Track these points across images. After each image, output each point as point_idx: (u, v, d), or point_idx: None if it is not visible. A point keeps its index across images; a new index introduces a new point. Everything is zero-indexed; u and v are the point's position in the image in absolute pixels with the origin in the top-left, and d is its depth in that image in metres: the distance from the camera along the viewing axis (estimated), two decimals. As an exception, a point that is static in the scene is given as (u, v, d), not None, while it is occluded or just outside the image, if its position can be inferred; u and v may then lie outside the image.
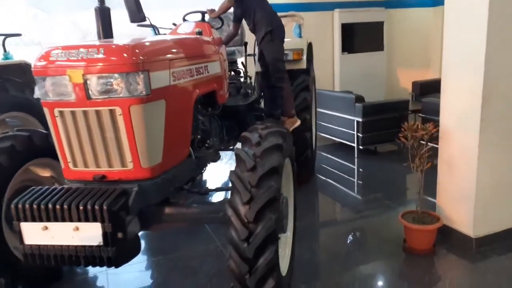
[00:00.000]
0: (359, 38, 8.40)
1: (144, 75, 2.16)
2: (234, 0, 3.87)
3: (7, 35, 4.25)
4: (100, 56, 2.09)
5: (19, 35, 4.40)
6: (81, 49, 2.11)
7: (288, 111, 4.08)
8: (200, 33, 3.37)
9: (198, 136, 3.09)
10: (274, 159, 2.21)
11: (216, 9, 3.98)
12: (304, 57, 4.44)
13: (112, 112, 2.17)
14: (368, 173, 5.57)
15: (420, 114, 5.88)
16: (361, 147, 5.85)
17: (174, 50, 2.55)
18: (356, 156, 5.94)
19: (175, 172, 2.52)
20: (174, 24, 4.03)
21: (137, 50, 2.17)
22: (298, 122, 4.15)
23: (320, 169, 5.61)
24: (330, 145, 6.64)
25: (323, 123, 6.57)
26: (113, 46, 2.15)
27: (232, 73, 4.81)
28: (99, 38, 3.10)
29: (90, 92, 2.14)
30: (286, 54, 4.37)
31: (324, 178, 5.36)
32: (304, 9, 7.86)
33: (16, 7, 6.60)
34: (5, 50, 4.13)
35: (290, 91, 4.08)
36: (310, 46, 4.92)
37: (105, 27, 3.18)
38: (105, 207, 1.96)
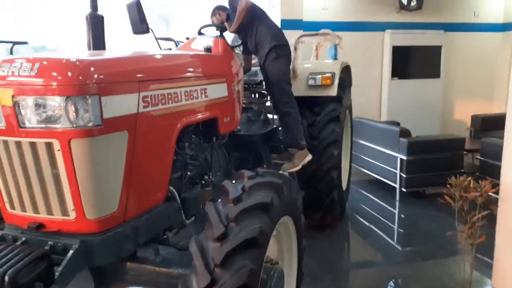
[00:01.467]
0: (412, 63, 7.60)
1: (93, 100, 1.65)
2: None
3: (14, 43, 4.03)
4: (34, 73, 1.60)
5: (25, 43, 4.18)
6: (14, 64, 1.65)
7: (297, 141, 3.42)
8: (208, 49, 2.86)
9: (188, 173, 2.54)
10: (252, 225, 1.59)
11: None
12: (336, 82, 3.78)
13: (49, 146, 1.68)
14: (411, 221, 4.74)
15: (478, 157, 4.97)
16: (404, 189, 5.01)
17: (149, 69, 2.03)
18: (397, 198, 5.11)
19: (138, 223, 1.97)
20: (187, 38, 3.56)
21: (87, 68, 1.67)
22: (310, 157, 3.46)
23: (355, 209, 4.90)
24: (368, 181, 5.84)
25: (361, 156, 5.81)
26: (53, 61, 1.66)
27: (257, 95, 4.23)
28: (89, 48, 2.70)
29: (23, 118, 1.66)
30: (314, 78, 3.74)
31: (359, 218, 4.65)
32: (351, 28, 7.22)
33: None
34: (11, 59, 3.88)
35: (299, 118, 3.42)
36: (346, 69, 4.25)
37: (97, 37, 2.78)
38: (6, 278, 1.44)
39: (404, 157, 4.89)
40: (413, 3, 7.55)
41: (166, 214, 2.22)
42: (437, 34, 7.50)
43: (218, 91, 2.67)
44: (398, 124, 5.86)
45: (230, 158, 3.25)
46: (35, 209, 1.81)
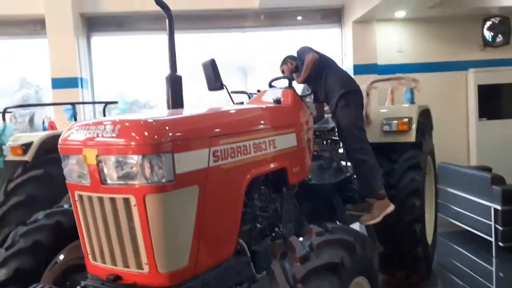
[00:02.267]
0: (502, 102, 7.03)
1: (166, 158, 1.74)
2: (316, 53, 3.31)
3: (107, 103, 4.50)
4: (115, 134, 1.75)
5: (116, 102, 4.63)
6: (99, 126, 1.81)
7: (375, 191, 3.22)
8: (278, 101, 2.91)
9: (258, 225, 2.51)
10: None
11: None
12: (414, 127, 3.57)
13: (127, 201, 1.78)
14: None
15: None
16: (501, 243, 4.45)
17: (219, 125, 2.10)
18: (494, 254, 4.54)
19: (208, 278, 1.97)
20: (258, 91, 3.68)
21: (161, 127, 1.78)
22: (391, 207, 3.21)
23: (444, 264, 4.45)
24: (458, 233, 5.28)
25: (448, 205, 5.32)
26: (132, 123, 1.80)
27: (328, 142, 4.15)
28: (168, 107, 2.90)
29: (105, 176, 1.80)
30: (389, 124, 3.58)
31: (449, 275, 4.20)
32: (428, 69, 6.96)
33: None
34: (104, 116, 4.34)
35: (376, 165, 3.24)
36: (425, 113, 4.03)
37: (176, 96, 2.99)
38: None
39: (499, 207, 4.38)
40: (499, 39, 7.09)
41: (236, 268, 2.20)
42: (530, 69, 6.89)
43: (286, 141, 2.67)
44: (489, 169, 5.33)
45: (301, 208, 3.17)
46: (113, 262, 1.90)
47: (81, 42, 7.07)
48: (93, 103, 6.66)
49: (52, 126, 4.54)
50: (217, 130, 2.05)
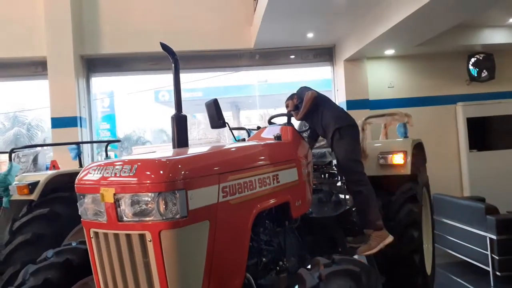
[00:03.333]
0: (492, 134, 7.28)
1: (180, 195, 1.84)
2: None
3: (109, 142, 4.61)
4: (132, 173, 1.86)
5: (119, 141, 4.74)
6: (117, 166, 1.92)
7: (372, 221, 3.31)
8: (278, 137, 3.06)
9: (263, 259, 2.58)
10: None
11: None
12: (409, 160, 3.73)
13: (142, 237, 1.87)
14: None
15: None
16: (498, 273, 4.51)
17: (227, 162, 2.22)
18: (492, 284, 4.59)
19: (219, 312, 2.03)
20: (259, 127, 3.83)
21: (175, 166, 1.90)
22: (390, 238, 3.28)
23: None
24: (456, 264, 5.34)
25: (445, 236, 5.40)
26: (148, 162, 1.92)
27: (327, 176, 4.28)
28: (174, 146, 3.02)
29: (121, 213, 1.89)
30: (385, 157, 3.73)
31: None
32: (419, 104, 7.23)
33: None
34: (106, 155, 4.44)
35: (372, 196, 3.34)
36: (419, 146, 4.19)
37: (180, 135, 3.11)
38: None
39: (494, 237, 4.48)
40: (484, 74, 7.42)
41: (244, 302, 2.25)
42: (515, 102, 7.18)
43: (289, 176, 2.79)
44: (483, 199, 5.46)
45: (303, 242, 3.24)
46: (128, 296, 1.96)
47: (81, 82, 7.27)
48: (97, 142, 6.78)
49: (54, 165, 4.62)
50: (225, 167, 2.17)
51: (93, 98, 7.84)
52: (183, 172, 1.88)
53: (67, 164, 4.89)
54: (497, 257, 4.49)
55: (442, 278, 4.91)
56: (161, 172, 1.85)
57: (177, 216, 1.84)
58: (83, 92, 7.34)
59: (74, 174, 3.75)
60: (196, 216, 1.91)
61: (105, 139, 6.95)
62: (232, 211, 2.17)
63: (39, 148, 5.42)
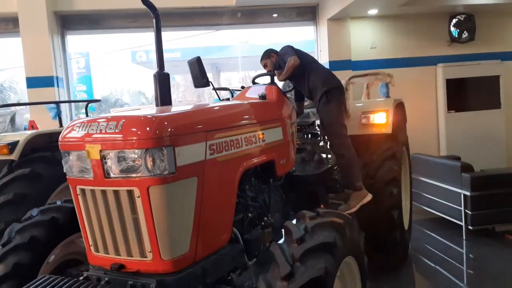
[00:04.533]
0: (469, 95, 7.42)
1: (168, 151, 1.84)
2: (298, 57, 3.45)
3: (89, 101, 4.51)
4: (118, 129, 1.84)
5: (98, 101, 4.64)
6: (102, 122, 1.90)
7: (352, 183, 3.42)
8: (263, 96, 3.05)
9: (249, 215, 2.65)
10: (318, 265, 1.64)
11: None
12: (390, 119, 3.79)
13: (130, 193, 1.88)
14: (481, 261, 4.45)
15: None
16: (470, 227, 4.76)
17: (214, 120, 2.22)
18: (464, 237, 4.85)
19: (207, 264, 2.09)
20: (243, 87, 3.80)
21: (162, 123, 1.88)
22: (369, 197, 3.41)
23: (419, 249, 4.71)
24: (431, 220, 5.60)
25: (422, 193, 5.61)
26: (134, 119, 1.90)
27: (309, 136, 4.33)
28: (157, 104, 2.97)
29: (108, 170, 1.88)
30: (367, 117, 3.79)
31: (424, 259, 4.46)
32: (400, 65, 7.25)
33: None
34: (87, 115, 4.35)
35: (354, 159, 3.43)
36: (400, 106, 4.25)
37: (163, 93, 3.06)
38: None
39: (468, 193, 4.69)
40: (465, 35, 7.47)
41: (231, 255, 2.32)
42: (494, 64, 7.31)
43: (274, 135, 2.82)
44: (458, 158, 5.65)
45: (287, 199, 3.33)
46: (117, 252, 1.99)
47: (56, 40, 6.97)
48: (77, 101, 6.61)
49: (32, 125, 4.50)
50: (212, 125, 2.17)
51: (69, 58, 7.55)
52: (170, 129, 1.87)
53: (45, 125, 4.77)
54: (470, 212, 4.72)
55: (418, 233, 5.15)
56: (148, 128, 1.84)
57: (165, 172, 1.84)
58: (59, 51, 7.05)
59: (54, 134, 3.70)
60: (184, 172, 1.93)
61: (84, 99, 6.78)
62: (219, 168, 2.19)
63: (15, 108, 5.25)
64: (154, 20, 2.90)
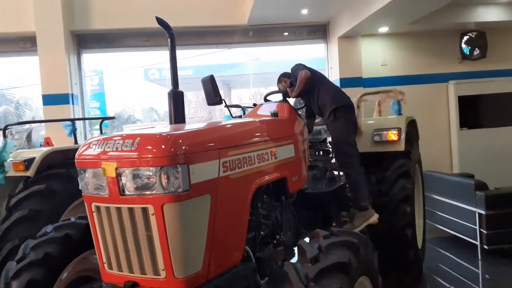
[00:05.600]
0: (482, 112, 7.35)
1: (182, 169, 1.86)
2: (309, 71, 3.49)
3: (103, 118, 4.59)
4: (134, 147, 1.87)
5: (113, 118, 4.73)
6: (118, 140, 1.93)
7: (357, 202, 3.38)
8: (275, 114, 3.07)
9: (262, 233, 2.64)
10: (333, 285, 1.63)
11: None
12: (403, 137, 3.78)
13: (145, 211, 1.89)
14: (497, 282, 4.34)
15: None
16: (486, 246, 4.66)
17: (227, 137, 2.25)
18: (479, 257, 4.75)
19: (220, 283, 2.08)
20: (255, 104, 3.83)
21: (177, 141, 1.91)
22: (375, 218, 3.36)
23: (433, 269, 4.61)
24: (445, 239, 5.49)
25: (435, 211, 5.53)
26: (150, 136, 1.92)
27: (321, 153, 4.32)
28: (171, 122, 3.01)
29: (123, 187, 1.91)
30: (379, 134, 3.78)
31: (438, 279, 4.36)
32: (411, 82, 7.25)
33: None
34: (101, 132, 4.43)
35: (360, 178, 3.40)
36: (412, 124, 4.24)
37: (177, 111, 3.09)
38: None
39: (483, 212, 4.61)
40: (476, 53, 7.45)
41: (243, 273, 2.31)
42: (506, 81, 7.26)
43: (286, 152, 2.82)
44: (472, 176, 5.58)
45: (299, 216, 3.31)
46: (130, 269, 2.00)
47: (72, 58, 7.14)
48: (92, 118, 6.71)
49: (48, 142, 4.59)
50: (226, 142, 2.19)
51: (83, 75, 7.72)
52: (184, 147, 1.90)
53: (60, 141, 4.85)
54: (485, 231, 4.62)
55: (432, 252, 5.05)
56: (163, 146, 1.86)
57: (180, 190, 1.86)
58: (74, 69, 7.22)
59: (69, 151, 3.76)
60: (198, 190, 1.94)
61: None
62: (232, 186, 2.20)
63: (32, 125, 5.35)
64: (168, 39, 2.96)
